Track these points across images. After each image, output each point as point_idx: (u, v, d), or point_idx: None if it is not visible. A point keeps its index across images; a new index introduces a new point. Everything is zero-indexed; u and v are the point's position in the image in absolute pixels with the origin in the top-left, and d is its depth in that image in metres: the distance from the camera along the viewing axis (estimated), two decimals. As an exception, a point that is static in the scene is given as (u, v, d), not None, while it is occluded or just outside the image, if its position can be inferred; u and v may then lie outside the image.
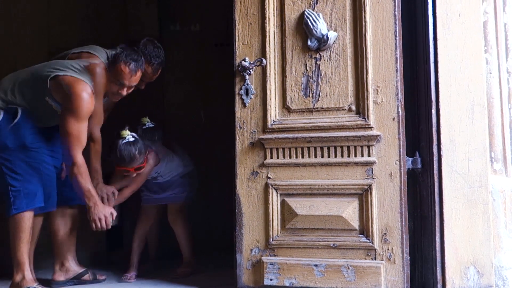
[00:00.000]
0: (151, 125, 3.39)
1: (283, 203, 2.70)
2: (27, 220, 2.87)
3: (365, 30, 2.61)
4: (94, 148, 3.07)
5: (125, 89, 3.02)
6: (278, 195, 2.72)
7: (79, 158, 2.84)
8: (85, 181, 2.87)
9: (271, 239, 2.70)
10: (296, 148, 2.70)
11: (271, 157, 2.73)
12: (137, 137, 3.19)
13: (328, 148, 2.66)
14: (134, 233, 3.46)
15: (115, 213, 2.96)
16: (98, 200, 2.92)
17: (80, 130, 2.84)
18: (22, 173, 2.89)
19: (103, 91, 3.01)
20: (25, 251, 2.88)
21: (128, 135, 3.14)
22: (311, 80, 2.69)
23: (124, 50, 2.99)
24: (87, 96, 2.84)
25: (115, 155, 3.10)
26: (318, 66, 2.68)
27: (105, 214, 2.89)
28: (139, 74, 3.01)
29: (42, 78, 2.89)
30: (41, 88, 2.89)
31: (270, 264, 2.68)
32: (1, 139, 2.89)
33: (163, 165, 3.35)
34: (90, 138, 3.01)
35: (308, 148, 2.68)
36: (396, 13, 2.59)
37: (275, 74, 2.74)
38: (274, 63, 2.74)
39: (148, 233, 3.51)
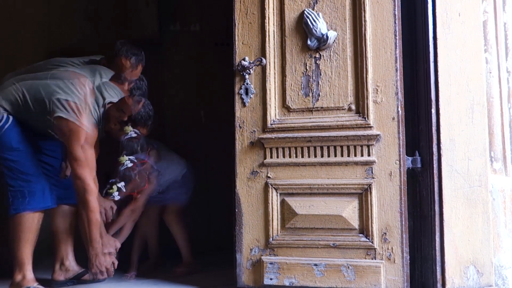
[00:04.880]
0: (134, 135, 3.25)
1: (283, 203, 2.70)
2: (28, 220, 2.86)
3: (365, 30, 2.61)
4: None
5: (126, 84, 3.03)
6: (278, 194, 2.72)
7: (94, 204, 2.85)
8: (96, 230, 2.88)
9: (271, 239, 2.70)
10: (296, 148, 2.70)
11: (271, 157, 2.73)
12: (138, 132, 3.19)
13: (328, 147, 2.66)
14: (135, 233, 3.48)
15: (116, 262, 2.98)
16: (100, 250, 2.92)
17: (87, 175, 2.84)
18: (21, 173, 2.88)
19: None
20: (26, 251, 2.87)
21: (131, 131, 3.16)
22: (311, 79, 2.69)
23: (124, 45, 3.02)
24: (89, 147, 2.84)
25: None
26: (318, 66, 2.68)
27: (106, 266, 2.92)
28: (139, 68, 3.04)
29: (45, 110, 2.86)
30: (43, 120, 2.88)
31: (270, 263, 2.68)
32: (5, 138, 2.88)
33: (163, 165, 3.36)
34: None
35: (308, 147, 2.68)
36: (396, 13, 2.59)
37: (274, 73, 2.74)
38: (274, 63, 2.74)
39: (147, 233, 3.52)
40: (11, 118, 2.90)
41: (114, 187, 3.20)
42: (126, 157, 3.15)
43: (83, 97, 2.85)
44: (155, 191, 3.39)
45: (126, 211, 3.35)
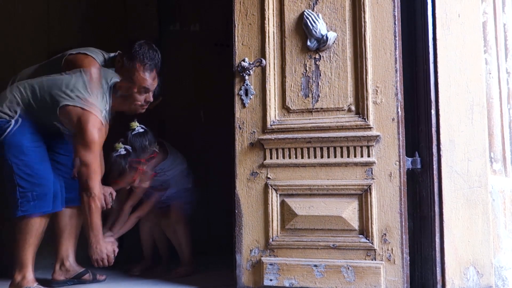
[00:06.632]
0: (141, 130, 3.29)
1: (283, 204, 2.70)
2: (35, 223, 2.82)
3: (365, 31, 2.60)
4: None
5: (150, 94, 2.99)
6: (278, 195, 2.72)
7: (97, 190, 2.81)
8: (97, 216, 2.83)
9: (271, 240, 2.71)
10: (295, 149, 2.70)
11: (271, 158, 2.73)
12: (145, 128, 3.26)
13: (328, 148, 2.66)
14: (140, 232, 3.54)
15: (117, 250, 2.93)
16: (102, 237, 2.87)
17: (93, 161, 2.80)
18: (32, 174, 2.84)
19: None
20: (29, 253, 2.84)
21: (137, 127, 3.18)
22: (311, 80, 2.69)
23: (141, 48, 2.92)
24: (96, 131, 2.81)
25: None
26: (317, 67, 2.68)
27: (107, 252, 2.86)
28: (154, 73, 2.97)
29: (50, 104, 2.85)
30: (50, 113, 2.86)
31: (270, 264, 2.68)
32: (16, 138, 2.85)
33: (167, 162, 3.38)
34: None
35: (308, 148, 2.68)
36: (396, 14, 2.59)
37: (274, 74, 2.74)
38: (274, 64, 2.74)
39: (156, 235, 3.53)
40: (20, 120, 2.87)
41: (121, 144, 3.20)
42: (121, 145, 3.19)
43: (90, 88, 2.85)
44: (159, 195, 3.41)
45: (126, 207, 3.36)
